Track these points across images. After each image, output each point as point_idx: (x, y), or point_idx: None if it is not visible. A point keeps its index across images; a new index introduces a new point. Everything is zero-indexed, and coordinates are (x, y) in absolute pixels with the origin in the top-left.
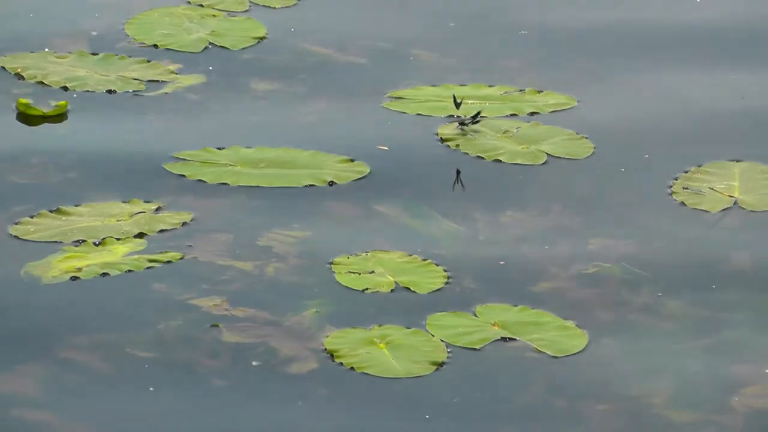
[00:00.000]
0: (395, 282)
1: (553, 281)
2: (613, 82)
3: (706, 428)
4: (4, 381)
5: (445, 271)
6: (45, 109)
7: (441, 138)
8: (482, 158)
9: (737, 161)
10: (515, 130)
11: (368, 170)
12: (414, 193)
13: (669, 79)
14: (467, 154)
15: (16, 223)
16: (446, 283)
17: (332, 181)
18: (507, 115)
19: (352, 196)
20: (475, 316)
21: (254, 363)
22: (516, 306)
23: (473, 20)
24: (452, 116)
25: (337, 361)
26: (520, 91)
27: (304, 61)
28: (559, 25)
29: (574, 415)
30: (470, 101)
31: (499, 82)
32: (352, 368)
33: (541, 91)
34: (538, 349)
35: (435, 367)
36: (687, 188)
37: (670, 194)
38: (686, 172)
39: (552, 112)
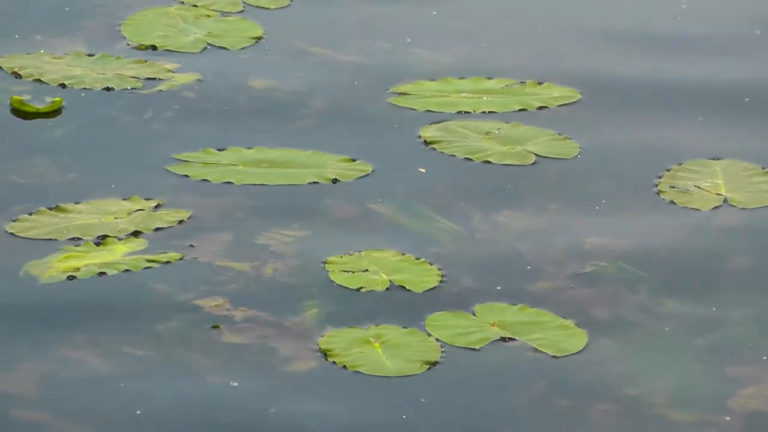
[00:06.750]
0: (390, 280)
1: (550, 281)
2: (599, 80)
3: (704, 428)
4: (2, 380)
5: (439, 270)
6: (40, 106)
7: (425, 141)
8: (471, 160)
9: (717, 159)
10: (497, 132)
11: (370, 169)
12: (411, 193)
13: (654, 76)
14: (454, 155)
15: (14, 220)
16: (441, 281)
17: (336, 179)
18: (516, 110)
19: (351, 195)
20: (474, 315)
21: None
22: (515, 305)
23: (470, 18)
24: (461, 112)
25: (330, 359)
26: (521, 83)
27: (303, 60)
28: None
29: (573, 415)
30: (472, 96)
31: (497, 76)
32: (344, 367)
33: (542, 83)
34: (538, 348)
35: (427, 367)
36: (674, 187)
37: (657, 193)
38: (668, 170)
39: (559, 105)
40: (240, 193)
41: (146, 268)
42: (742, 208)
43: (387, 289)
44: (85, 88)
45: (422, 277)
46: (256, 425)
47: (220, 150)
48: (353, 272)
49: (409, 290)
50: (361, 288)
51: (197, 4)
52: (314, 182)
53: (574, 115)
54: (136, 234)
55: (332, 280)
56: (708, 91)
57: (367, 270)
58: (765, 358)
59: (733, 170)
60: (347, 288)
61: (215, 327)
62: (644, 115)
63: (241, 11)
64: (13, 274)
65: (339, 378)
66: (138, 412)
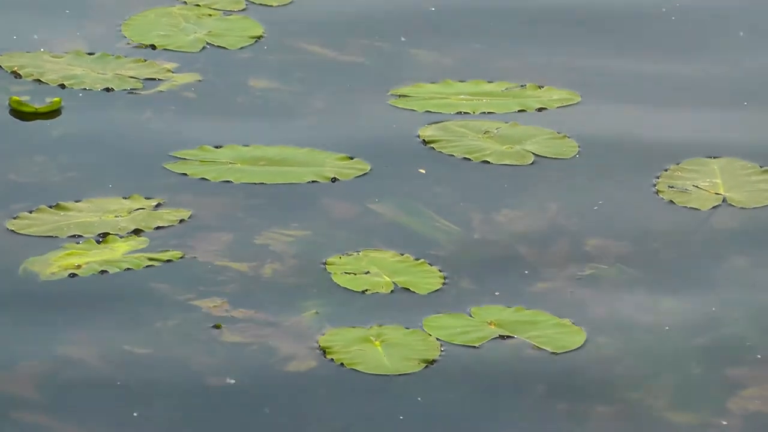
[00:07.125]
0: (394, 283)
1: (550, 281)
2: (595, 80)
3: (704, 429)
4: (2, 380)
5: (440, 271)
6: (39, 106)
7: (423, 140)
8: (469, 159)
9: (714, 158)
10: (495, 131)
11: (369, 168)
12: (409, 193)
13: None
14: (453, 155)
15: (14, 218)
16: (444, 283)
17: (335, 178)
18: (515, 111)
19: (350, 195)
20: (470, 316)
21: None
22: (511, 307)
23: (470, 18)
24: (460, 113)
25: (329, 357)
26: (521, 86)
27: (302, 60)
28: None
29: (573, 416)
30: (471, 98)
31: (498, 78)
32: (341, 364)
33: (542, 87)
34: (538, 346)
35: (424, 365)
36: (672, 186)
37: (656, 192)
38: (666, 170)
39: (559, 107)
40: (239, 192)
41: (147, 266)
42: (741, 208)
43: (391, 291)
44: (85, 89)
45: (425, 279)
46: (255, 424)
47: (217, 147)
48: (355, 274)
49: (414, 292)
50: (365, 290)
51: (200, 3)
52: (313, 181)
53: (573, 114)
54: (137, 232)
55: (335, 282)
56: (706, 90)
57: (368, 272)
58: (760, 357)
59: (731, 169)
60: (351, 290)
61: (217, 327)
62: (644, 115)
63: (244, 9)
64: (12, 271)
65: (337, 377)
66: (135, 414)
